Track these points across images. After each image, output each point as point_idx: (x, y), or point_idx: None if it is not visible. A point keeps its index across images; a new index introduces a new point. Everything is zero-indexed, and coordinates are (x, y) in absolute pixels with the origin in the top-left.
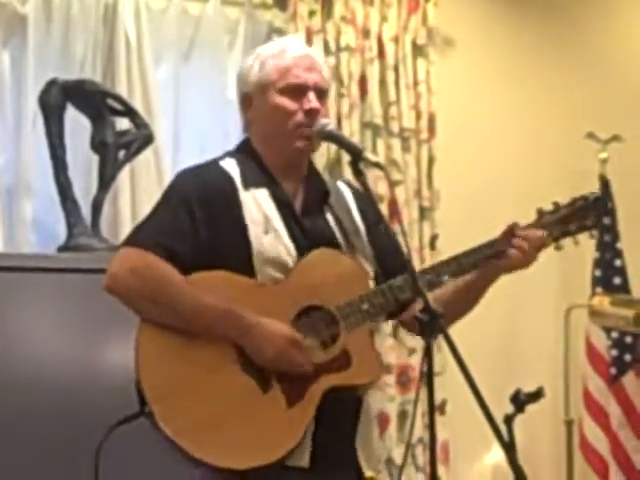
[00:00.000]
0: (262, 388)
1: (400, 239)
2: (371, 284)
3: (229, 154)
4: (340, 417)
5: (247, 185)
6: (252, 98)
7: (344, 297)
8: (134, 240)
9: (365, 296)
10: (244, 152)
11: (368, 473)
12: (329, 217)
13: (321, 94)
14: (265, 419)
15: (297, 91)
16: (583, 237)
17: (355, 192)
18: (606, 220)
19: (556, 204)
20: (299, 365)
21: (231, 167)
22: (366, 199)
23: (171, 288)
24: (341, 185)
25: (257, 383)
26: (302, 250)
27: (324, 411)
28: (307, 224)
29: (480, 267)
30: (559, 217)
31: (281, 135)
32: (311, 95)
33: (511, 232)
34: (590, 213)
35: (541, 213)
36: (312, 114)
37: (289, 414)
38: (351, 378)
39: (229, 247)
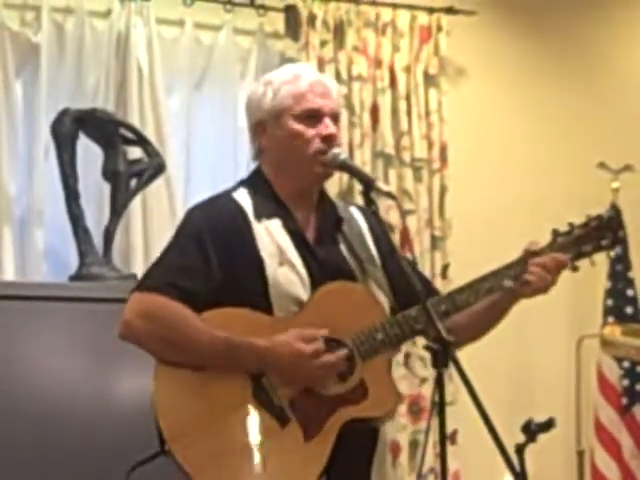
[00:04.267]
0: (280, 423)
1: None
2: (387, 314)
3: (242, 184)
4: (356, 449)
5: (259, 216)
6: (266, 124)
7: (358, 329)
8: (145, 284)
9: (380, 326)
10: (256, 181)
11: None
12: (342, 246)
13: (335, 119)
14: (283, 455)
15: (313, 117)
16: (596, 264)
17: (368, 218)
18: (618, 250)
19: (571, 225)
20: (318, 369)
21: (243, 198)
22: (379, 225)
23: (185, 327)
24: (353, 210)
25: (274, 418)
26: (317, 281)
27: (340, 444)
28: (321, 254)
29: (497, 292)
30: (574, 238)
31: (299, 161)
32: (327, 121)
33: (527, 258)
34: (605, 233)
35: (556, 234)
36: (330, 140)
37: (307, 448)
38: (368, 410)
39: (245, 282)
